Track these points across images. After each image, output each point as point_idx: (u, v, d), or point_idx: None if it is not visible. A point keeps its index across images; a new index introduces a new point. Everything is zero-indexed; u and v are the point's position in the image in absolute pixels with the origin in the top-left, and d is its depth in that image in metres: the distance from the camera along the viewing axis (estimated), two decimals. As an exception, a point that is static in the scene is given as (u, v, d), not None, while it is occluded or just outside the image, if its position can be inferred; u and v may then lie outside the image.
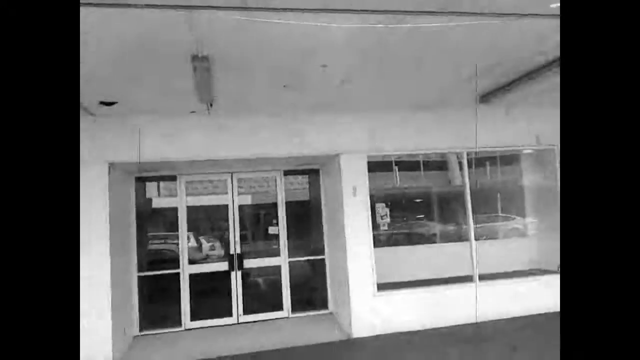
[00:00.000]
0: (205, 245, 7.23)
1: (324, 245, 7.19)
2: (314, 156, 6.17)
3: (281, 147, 5.88)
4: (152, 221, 7.07)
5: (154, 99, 4.74)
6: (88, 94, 4.47)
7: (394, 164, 7.10)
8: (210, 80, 3.93)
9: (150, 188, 7.12)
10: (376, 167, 6.58)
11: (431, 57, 4.12)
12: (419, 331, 5.90)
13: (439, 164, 7.35)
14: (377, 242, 6.29)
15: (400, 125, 6.19)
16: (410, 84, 4.98)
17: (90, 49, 3.32)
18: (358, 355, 5.20)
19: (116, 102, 4.76)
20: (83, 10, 2.68)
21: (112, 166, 5.42)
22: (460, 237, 6.74)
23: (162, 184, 7.06)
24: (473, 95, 5.61)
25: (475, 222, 6.55)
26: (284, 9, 2.90)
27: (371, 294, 5.99)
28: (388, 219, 6.49)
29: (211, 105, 4.90)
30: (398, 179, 7.18)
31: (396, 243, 6.77)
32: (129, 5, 2.73)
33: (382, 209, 6.44)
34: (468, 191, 6.52)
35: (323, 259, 7.19)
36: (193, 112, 5.37)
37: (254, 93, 4.82)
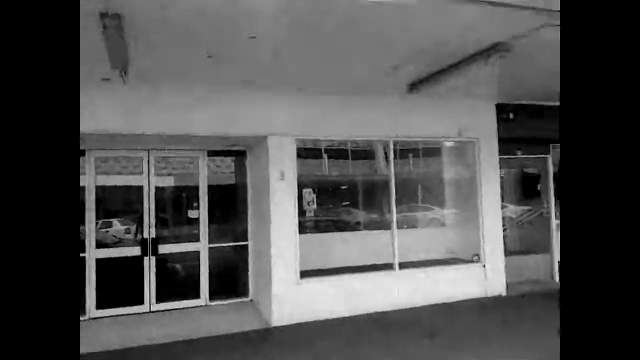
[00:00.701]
0: (120, 228, 6.67)
1: (248, 231, 6.93)
2: (240, 137, 5.88)
3: (205, 125, 5.51)
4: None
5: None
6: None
7: (323, 152, 7.03)
8: (122, 43, 3.50)
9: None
10: (305, 153, 6.46)
11: (360, 41, 4.03)
12: (340, 319, 5.90)
13: (366, 154, 7.40)
14: (303, 229, 6.17)
15: (332, 110, 6.08)
16: (340, 68, 4.88)
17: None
18: (271, 345, 5.06)
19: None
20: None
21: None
22: (384, 226, 6.84)
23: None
24: (402, 84, 5.64)
25: (398, 212, 6.67)
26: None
27: (294, 281, 5.87)
28: (315, 206, 6.40)
29: (126, 73, 4.41)
30: (327, 167, 7.12)
31: (322, 230, 6.71)
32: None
33: (309, 194, 6.33)
34: (393, 181, 6.61)
35: (246, 245, 6.94)
36: (106, 79, 4.81)
37: (175, 63, 4.43)
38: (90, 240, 6.16)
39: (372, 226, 7.22)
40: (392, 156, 6.63)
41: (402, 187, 6.80)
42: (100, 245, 6.30)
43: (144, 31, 3.53)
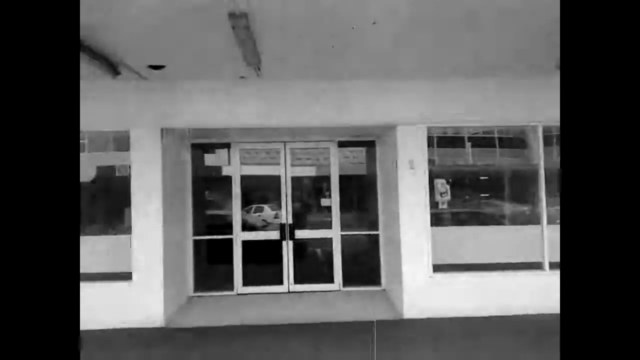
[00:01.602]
0: (270, 213, 7.23)
1: (378, 220, 6.87)
2: (369, 127, 5.81)
3: (334, 116, 5.58)
4: (211, 187, 7.21)
5: (199, 63, 4.63)
6: (136, 58, 4.46)
7: (466, 140, 6.52)
8: (252, 40, 3.70)
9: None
10: (441, 141, 6.09)
11: (499, 11, 3.55)
12: (475, 318, 5.47)
13: (512, 141, 6.63)
14: (435, 221, 5.85)
15: (464, 93, 5.59)
16: (476, 45, 4.39)
17: (129, 12, 3.23)
18: (406, 336, 4.93)
19: (164, 66, 4.73)
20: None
21: (165, 131, 5.48)
22: (533, 220, 6.08)
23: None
24: (550, 60, 4.87)
25: (550, 205, 5.86)
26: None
27: (426, 274, 5.63)
28: (448, 197, 5.98)
29: (259, 69, 4.69)
30: (470, 155, 6.58)
31: (457, 223, 6.26)
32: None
33: (441, 185, 5.94)
34: (542, 170, 5.82)
35: (377, 235, 6.90)
36: (242, 77, 5.21)
37: (301, 56, 4.54)
38: (236, 223, 6.82)
39: (516, 220, 6.48)
40: (540, 143, 5.83)
41: (555, 178, 5.94)
42: (251, 228, 6.96)
43: (269, 26, 3.68)
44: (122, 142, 5.56)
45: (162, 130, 5.41)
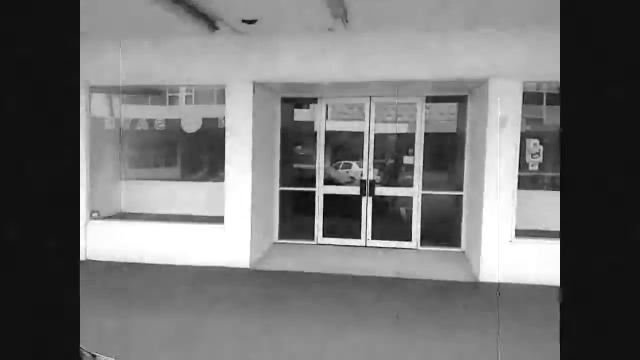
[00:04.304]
0: (358, 170, 7.33)
1: (463, 181, 6.69)
2: (459, 81, 5.58)
3: (421, 69, 5.44)
4: (299, 141, 7.53)
5: (288, 17, 4.76)
6: (232, 12, 4.72)
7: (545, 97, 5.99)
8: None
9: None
10: (533, 99, 5.67)
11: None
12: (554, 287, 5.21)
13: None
14: (524, 184, 5.55)
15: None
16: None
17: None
18: (478, 299, 4.90)
19: (257, 21, 4.94)
20: None
21: (256, 85, 5.78)
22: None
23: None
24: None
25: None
26: None
27: (507, 239, 5.44)
28: (540, 159, 5.62)
29: (346, 20, 4.70)
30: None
31: (547, 187, 5.87)
32: None
33: (534, 146, 5.58)
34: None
35: (460, 196, 6.73)
36: (330, 29, 5.26)
37: (385, 6, 4.45)
38: (320, 177, 7.08)
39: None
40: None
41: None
42: (337, 183, 7.24)
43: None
44: (224, 96, 5.97)
45: (254, 84, 5.72)
